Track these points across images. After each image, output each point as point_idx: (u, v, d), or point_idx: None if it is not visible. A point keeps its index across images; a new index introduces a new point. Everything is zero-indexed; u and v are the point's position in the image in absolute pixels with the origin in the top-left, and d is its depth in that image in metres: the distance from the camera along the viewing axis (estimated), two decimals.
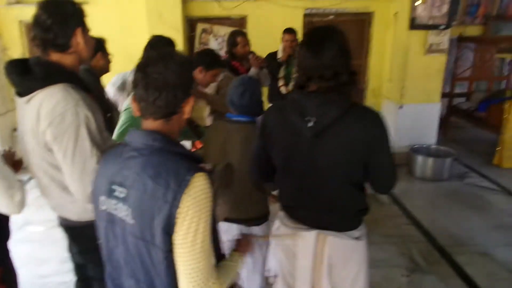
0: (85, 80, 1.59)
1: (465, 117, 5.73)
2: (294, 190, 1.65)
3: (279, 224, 1.74)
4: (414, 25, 4.55)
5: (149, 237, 1.06)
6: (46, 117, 1.40)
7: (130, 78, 3.13)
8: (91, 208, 1.52)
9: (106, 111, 2.24)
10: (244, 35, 3.65)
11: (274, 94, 4.11)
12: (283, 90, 4.01)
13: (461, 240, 3.37)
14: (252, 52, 3.67)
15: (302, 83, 1.49)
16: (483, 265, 3.03)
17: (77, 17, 1.49)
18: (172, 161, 1.08)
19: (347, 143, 1.47)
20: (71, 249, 1.79)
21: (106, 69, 2.78)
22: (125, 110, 2.24)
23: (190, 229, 1.03)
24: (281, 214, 1.75)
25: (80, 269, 1.85)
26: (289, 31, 3.97)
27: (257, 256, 2.09)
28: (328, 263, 1.61)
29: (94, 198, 1.22)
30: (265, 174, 1.76)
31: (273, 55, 4.08)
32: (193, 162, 1.13)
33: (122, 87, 2.88)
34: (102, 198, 1.16)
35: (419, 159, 4.64)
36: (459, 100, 6.08)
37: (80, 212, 1.58)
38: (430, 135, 4.96)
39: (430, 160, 4.60)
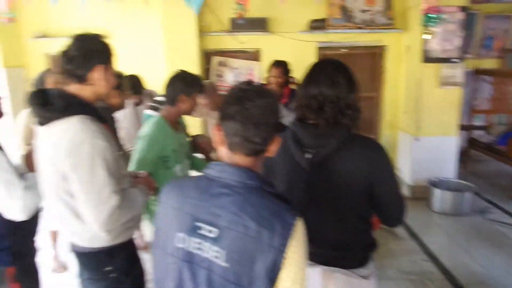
0: (101, 112, 1.66)
1: (485, 150, 5.58)
2: None
3: None
4: (426, 58, 4.55)
5: (246, 283, 0.97)
6: (64, 148, 1.47)
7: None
8: (104, 236, 1.57)
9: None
10: (277, 66, 3.52)
11: None
12: None
13: (483, 279, 3.18)
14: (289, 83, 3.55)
15: (300, 115, 1.50)
16: None
17: (102, 54, 1.60)
18: (272, 202, 1.02)
19: (347, 175, 1.44)
20: (81, 275, 1.79)
21: (121, 106, 2.85)
22: (143, 137, 2.25)
23: (297, 276, 0.97)
24: None
25: None
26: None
27: None
28: None
29: (161, 233, 1.12)
30: None
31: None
32: (287, 203, 1.06)
33: None
34: (181, 235, 1.06)
35: (438, 192, 4.49)
36: (479, 133, 5.95)
37: (91, 238, 1.61)
38: (448, 169, 4.83)
39: (450, 194, 4.45)
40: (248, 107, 1.03)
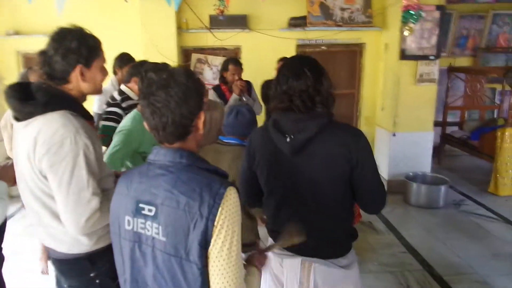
0: (84, 108, 1.55)
1: (459, 146, 5.76)
2: (278, 212, 1.62)
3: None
4: (404, 55, 4.66)
5: (183, 253, 1.04)
6: (43, 144, 1.36)
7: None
8: (84, 241, 1.49)
9: None
10: (236, 64, 3.73)
11: None
12: None
13: (460, 269, 3.30)
14: (240, 80, 3.72)
15: (279, 104, 1.53)
16: None
17: (80, 53, 1.45)
18: (203, 176, 1.08)
19: (327, 159, 1.46)
20: (59, 283, 1.68)
21: None
22: (117, 132, 2.21)
23: (226, 242, 1.03)
24: (270, 239, 1.71)
25: None
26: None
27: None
28: None
29: (114, 219, 1.19)
30: (252, 197, 1.74)
31: (269, 83, 4.12)
32: (221, 177, 1.13)
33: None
34: (128, 218, 1.14)
35: (414, 186, 4.61)
36: (452, 128, 6.14)
37: (71, 244, 1.51)
38: (424, 163, 4.96)
39: (425, 188, 4.59)
40: (152, 101, 1.07)
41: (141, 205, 1.11)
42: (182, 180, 1.07)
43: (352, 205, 1.61)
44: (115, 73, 3.71)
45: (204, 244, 1.03)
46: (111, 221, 1.22)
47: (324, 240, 1.56)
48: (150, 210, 1.09)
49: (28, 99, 1.42)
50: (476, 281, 3.12)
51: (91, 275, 1.56)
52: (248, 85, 3.90)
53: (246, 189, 1.72)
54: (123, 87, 2.98)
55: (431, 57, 4.68)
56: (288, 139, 1.46)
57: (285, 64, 1.57)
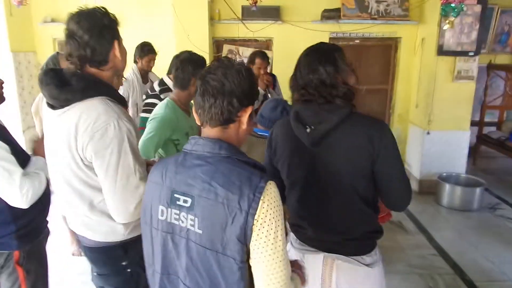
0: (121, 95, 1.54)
1: (496, 147, 5.52)
2: (300, 206, 1.58)
3: (289, 246, 1.66)
4: (441, 51, 4.48)
5: (220, 247, 1.02)
6: (86, 131, 1.34)
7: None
8: (120, 230, 1.49)
9: None
10: (263, 58, 3.67)
11: None
12: None
13: (492, 275, 3.16)
14: (265, 74, 3.68)
15: (300, 96, 1.50)
16: None
17: (113, 29, 1.43)
18: (242, 169, 1.06)
19: (348, 151, 1.41)
20: (94, 270, 1.67)
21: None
22: (151, 120, 2.22)
23: (270, 236, 1.01)
24: (291, 235, 1.67)
25: None
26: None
27: None
28: None
29: (146, 208, 1.17)
30: None
31: None
32: (260, 171, 1.10)
33: None
34: (162, 207, 1.12)
35: (448, 187, 4.45)
36: (490, 129, 5.89)
37: (107, 233, 1.50)
38: (459, 164, 4.78)
39: (459, 189, 4.42)
40: (207, 79, 1.07)
41: (176, 195, 1.09)
42: (221, 172, 1.04)
43: (376, 200, 1.54)
44: (135, 62, 3.77)
45: (244, 238, 1.00)
46: (142, 210, 1.20)
47: (347, 235, 1.51)
48: (185, 201, 1.07)
49: (64, 86, 1.39)
50: None
51: (123, 263, 1.56)
52: (273, 79, 3.86)
53: None
54: (165, 77, 2.99)
55: (470, 53, 4.47)
56: (308, 130, 1.43)
57: (304, 56, 1.54)
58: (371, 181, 1.46)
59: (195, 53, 2.31)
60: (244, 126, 1.14)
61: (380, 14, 4.88)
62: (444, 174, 4.64)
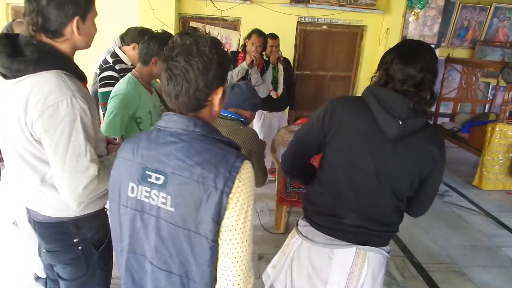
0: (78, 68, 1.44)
1: (449, 137, 5.80)
2: (340, 194, 1.53)
3: (301, 240, 1.63)
4: None
5: (192, 226, 1.00)
6: (36, 107, 1.26)
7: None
8: (73, 206, 1.43)
9: None
10: (260, 35, 3.60)
11: None
12: (273, 95, 3.98)
13: (439, 258, 3.37)
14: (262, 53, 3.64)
15: (383, 83, 1.45)
16: (459, 284, 3.02)
17: (78, 5, 1.32)
18: (218, 147, 1.03)
19: (413, 158, 1.46)
20: (43, 246, 1.61)
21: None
22: (113, 97, 2.13)
23: (240, 216, 1.00)
24: (307, 229, 1.62)
25: (49, 269, 1.69)
26: (273, 36, 3.91)
27: None
28: (361, 282, 1.55)
29: (114, 185, 1.13)
30: (296, 169, 1.66)
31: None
32: (236, 149, 1.08)
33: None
34: (132, 184, 1.08)
35: None
36: (444, 119, 6.17)
37: (59, 208, 1.45)
38: None
39: None
40: (170, 66, 1.02)
41: (148, 172, 1.05)
42: (196, 150, 1.02)
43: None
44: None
45: (217, 217, 0.99)
46: (110, 187, 1.16)
47: (386, 228, 1.56)
48: (157, 179, 1.04)
49: (17, 54, 1.29)
50: (453, 271, 3.19)
51: (75, 240, 1.51)
52: (265, 65, 3.80)
53: (293, 158, 1.64)
54: (117, 49, 2.87)
55: (432, 46, 4.62)
56: (400, 123, 1.38)
57: (414, 48, 1.46)
58: (416, 187, 1.53)
59: (167, 33, 2.24)
60: (216, 108, 1.11)
61: (348, 2, 4.92)
62: None
